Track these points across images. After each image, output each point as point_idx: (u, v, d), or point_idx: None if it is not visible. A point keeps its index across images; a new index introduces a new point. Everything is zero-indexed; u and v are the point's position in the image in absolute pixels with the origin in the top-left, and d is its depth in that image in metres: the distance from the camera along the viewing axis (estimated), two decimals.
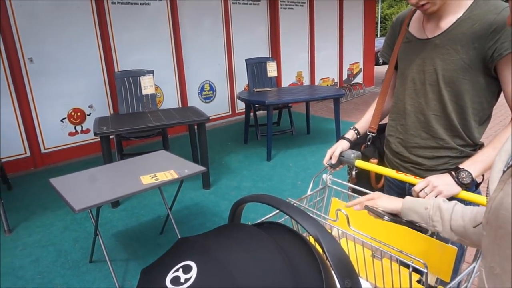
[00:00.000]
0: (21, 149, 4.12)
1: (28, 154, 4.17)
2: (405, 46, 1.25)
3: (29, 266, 2.35)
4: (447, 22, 1.11)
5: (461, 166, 1.05)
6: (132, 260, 2.37)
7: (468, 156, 1.12)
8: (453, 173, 1.04)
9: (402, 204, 0.93)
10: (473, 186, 1.13)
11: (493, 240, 0.51)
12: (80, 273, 2.25)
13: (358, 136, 1.40)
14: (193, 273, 0.65)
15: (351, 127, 1.43)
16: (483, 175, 1.10)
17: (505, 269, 0.48)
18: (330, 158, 1.34)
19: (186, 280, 0.64)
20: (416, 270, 0.89)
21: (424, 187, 1.05)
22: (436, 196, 1.01)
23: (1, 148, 3.64)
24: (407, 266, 0.91)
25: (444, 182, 1.03)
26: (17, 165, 4.05)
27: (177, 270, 0.67)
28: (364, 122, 1.42)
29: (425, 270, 0.84)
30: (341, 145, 1.35)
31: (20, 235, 2.74)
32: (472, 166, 1.04)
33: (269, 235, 0.72)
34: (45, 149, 4.29)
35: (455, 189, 1.03)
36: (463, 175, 1.02)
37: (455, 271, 1.03)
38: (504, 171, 0.52)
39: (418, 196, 1.05)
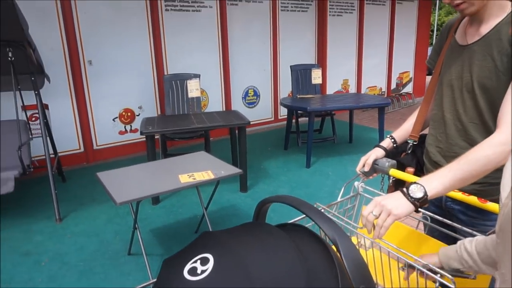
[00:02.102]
0: (76, 145, 4.43)
1: (82, 149, 4.47)
2: (449, 52, 1.21)
3: (74, 253, 2.52)
4: (487, 27, 1.07)
5: (418, 180, 0.94)
6: (167, 256, 2.45)
7: None
8: (404, 189, 0.92)
9: (439, 255, 0.87)
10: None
11: (505, 246, 0.50)
12: (118, 264, 2.37)
13: (395, 145, 1.35)
14: (210, 265, 0.67)
15: (388, 135, 1.38)
16: None
17: None
18: (363, 165, 1.31)
19: (203, 271, 0.66)
20: (444, 287, 0.84)
21: (372, 210, 0.92)
22: (387, 218, 0.88)
23: (59, 143, 3.94)
24: (435, 281, 0.86)
25: (393, 200, 0.90)
26: (71, 160, 4.36)
27: (195, 262, 0.69)
28: (403, 131, 1.37)
29: (452, 286, 0.79)
30: (375, 153, 1.31)
31: (69, 224, 2.94)
32: (428, 181, 0.91)
33: (289, 236, 0.72)
34: (97, 145, 4.58)
35: (407, 207, 0.89)
36: (413, 188, 0.90)
37: None
38: None
39: (367, 221, 0.92)
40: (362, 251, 1.18)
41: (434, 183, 0.91)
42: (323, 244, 0.72)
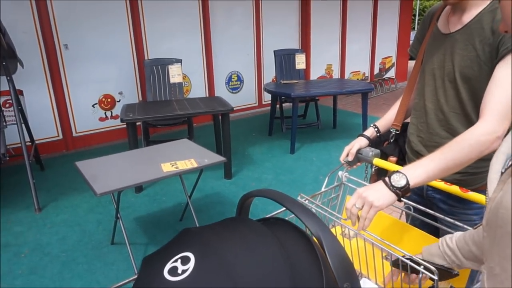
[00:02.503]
0: (54, 131, 4.30)
1: (61, 137, 4.35)
2: (431, 40, 1.20)
3: (55, 244, 2.47)
4: (469, 16, 1.06)
5: (401, 169, 0.93)
6: (151, 245, 2.44)
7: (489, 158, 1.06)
8: (386, 179, 0.91)
9: (422, 254, 0.86)
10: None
11: (493, 240, 0.50)
12: (102, 254, 2.34)
13: (378, 134, 1.35)
14: (191, 264, 0.65)
15: (371, 124, 1.37)
16: None
17: (505, 269, 0.48)
18: (347, 155, 1.30)
19: (183, 271, 0.64)
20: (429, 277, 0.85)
21: (355, 202, 0.91)
22: (369, 210, 0.88)
23: (36, 130, 3.81)
24: (418, 271, 0.87)
25: (374, 191, 0.89)
26: (50, 147, 4.24)
27: (175, 261, 0.67)
28: (386, 120, 1.36)
29: (435, 277, 0.80)
30: (359, 142, 1.30)
31: (49, 213, 2.87)
32: (411, 169, 0.90)
33: (270, 231, 0.71)
34: (76, 132, 4.46)
35: (389, 197, 0.88)
36: (395, 177, 0.89)
37: (471, 280, 0.98)
38: (502, 172, 0.52)
39: (350, 213, 0.91)
40: (346, 241, 1.19)
41: (417, 172, 0.90)
42: (306, 239, 0.71)
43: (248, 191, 0.83)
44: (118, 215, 2.17)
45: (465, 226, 1.00)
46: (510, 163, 0.52)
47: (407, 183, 0.89)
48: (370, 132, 1.34)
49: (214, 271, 0.62)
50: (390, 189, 0.89)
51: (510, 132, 0.60)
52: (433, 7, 1.26)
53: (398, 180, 0.88)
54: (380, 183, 0.91)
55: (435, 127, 1.17)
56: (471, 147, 0.92)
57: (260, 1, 5.76)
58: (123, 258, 2.29)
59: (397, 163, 1.29)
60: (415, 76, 1.29)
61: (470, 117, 1.09)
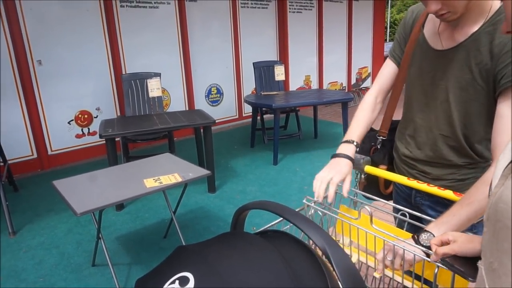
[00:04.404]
0: (28, 150, 4.13)
1: (35, 155, 4.17)
2: (418, 50, 1.13)
3: (31, 269, 2.33)
4: (463, 34, 0.99)
5: (426, 228, 0.93)
6: (135, 264, 2.34)
7: (478, 168, 1.06)
8: (415, 236, 0.92)
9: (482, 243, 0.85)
10: None
11: (492, 234, 0.50)
12: (82, 277, 2.22)
13: (357, 149, 1.19)
14: (190, 285, 0.61)
15: (350, 140, 1.16)
16: None
17: (503, 263, 0.48)
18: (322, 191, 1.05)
19: None
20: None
21: (386, 254, 0.92)
22: (400, 264, 0.90)
23: (8, 150, 3.65)
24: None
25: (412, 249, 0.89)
26: (24, 167, 4.06)
27: (173, 282, 0.63)
28: (359, 131, 1.20)
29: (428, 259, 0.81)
30: (340, 174, 1.06)
31: (24, 237, 2.72)
32: (436, 228, 0.91)
33: (272, 245, 0.68)
34: (52, 151, 4.30)
35: (418, 253, 0.88)
36: (423, 237, 0.90)
37: None
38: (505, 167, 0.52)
39: (384, 265, 0.94)
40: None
41: (441, 229, 0.91)
42: (308, 251, 0.69)
43: (243, 204, 0.79)
44: (100, 235, 2.07)
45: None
46: (511, 158, 0.52)
47: None
48: (351, 151, 1.15)
49: None
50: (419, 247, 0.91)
51: None
52: (415, 8, 1.18)
53: (426, 239, 0.90)
54: (410, 240, 0.91)
55: (422, 144, 1.15)
56: (487, 195, 0.91)
57: (237, 14, 5.81)
58: (105, 280, 2.18)
59: (387, 169, 1.28)
60: (401, 84, 1.23)
61: (459, 141, 1.06)
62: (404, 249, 0.88)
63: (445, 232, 0.88)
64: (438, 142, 1.10)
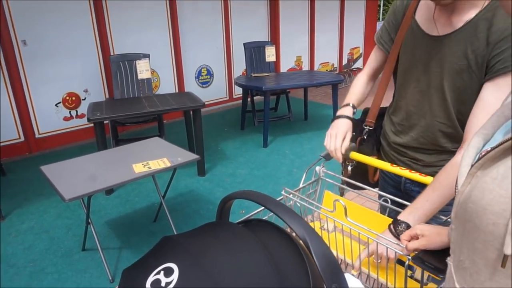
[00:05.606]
0: (15, 134, 4.07)
1: (22, 139, 4.12)
2: (410, 38, 1.11)
3: (21, 254, 2.34)
4: (461, 20, 0.97)
5: (399, 217, 0.95)
6: (125, 248, 2.36)
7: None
8: (392, 228, 0.93)
9: (449, 234, 0.84)
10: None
11: (462, 233, 0.51)
12: (73, 261, 2.24)
13: (355, 110, 1.26)
14: (175, 276, 0.62)
15: (348, 104, 1.23)
16: None
17: (474, 262, 0.48)
18: (334, 149, 1.17)
19: (167, 284, 0.61)
20: (409, 267, 0.86)
21: (371, 255, 0.94)
22: (380, 258, 0.91)
23: None
24: (399, 261, 0.89)
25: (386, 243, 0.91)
26: (11, 150, 4.00)
27: (158, 273, 0.64)
28: (357, 97, 1.27)
29: (407, 261, 0.82)
30: (348, 131, 1.17)
31: (13, 221, 2.72)
32: (411, 215, 0.93)
33: (255, 235, 0.69)
34: (39, 134, 4.24)
35: (397, 246, 0.89)
36: (400, 228, 0.92)
37: None
38: (472, 166, 0.52)
39: (360, 263, 0.97)
40: (324, 234, 1.19)
41: (416, 216, 0.92)
42: (290, 240, 0.70)
43: (228, 194, 0.80)
44: (89, 219, 2.08)
45: (441, 217, 1.03)
46: (478, 156, 0.52)
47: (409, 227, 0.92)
48: (350, 112, 1.22)
49: (200, 282, 0.60)
50: (396, 237, 0.91)
51: (480, 128, 0.60)
52: None
53: (402, 229, 0.91)
54: (387, 233, 0.93)
55: (415, 132, 1.15)
56: None
57: None
58: (95, 264, 2.20)
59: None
60: (389, 72, 1.22)
61: (455, 127, 1.07)
62: (387, 247, 0.89)
63: (419, 218, 0.90)
64: (433, 129, 1.10)
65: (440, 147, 1.12)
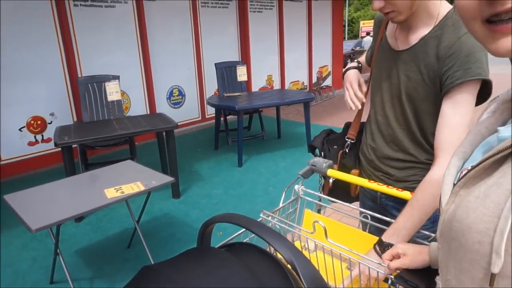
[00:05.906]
0: None
1: None
2: (381, 50, 1.20)
3: None
4: (415, 37, 1.06)
5: (383, 237, 0.96)
6: (97, 278, 2.24)
7: None
8: (377, 249, 0.93)
9: (429, 253, 0.78)
10: None
11: (448, 252, 0.50)
12: None
13: (360, 65, 1.35)
14: None
15: (355, 61, 1.35)
16: None
17: (461, 281, 0.48)
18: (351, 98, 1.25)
19: None
20: (392, 283, 0.86)
21: (354, 277, 0.94)
22: (367, 279, 0.90)
23: None
24: (385, 279, 0.88)
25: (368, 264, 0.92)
26: None
27: None
28: (361, 59, 1.38)
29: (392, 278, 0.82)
30: (356, 78, 1.27)
31: None
32: (394, 235, 0.94)
33: (240, 260, 0.67)
34: (2, 160, 4.03)
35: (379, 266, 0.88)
36: (387, 250, 0.91)
37: None
38: (454, 184, 0.52)
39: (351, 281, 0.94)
40: (306, 253, 1.18)
41: (400, 235, 0.94)
42: (276, 263, 0.69)
43: (210, 218, 0.78)
44: (58, 250, 1.97)
45: (421, 230, 1.04)
46: (459, 176, 0.53)
47: None
48: (355, 65, 1.33)
49: None
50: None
51: (459, 146, 0.61)
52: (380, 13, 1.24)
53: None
54: (373, 254, 0.92)
55: (384, 139, 1.20)
56: (434, 195, 0.94)
57: (198, 13, 5.74)
58: None
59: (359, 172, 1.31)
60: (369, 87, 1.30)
61: (415, 135, 1.12)
62: (369, 267, 0.88)
63: (403, 238, 0.91)
64: (399, 135, 1.16)
65: (409, 155, 1.16)
